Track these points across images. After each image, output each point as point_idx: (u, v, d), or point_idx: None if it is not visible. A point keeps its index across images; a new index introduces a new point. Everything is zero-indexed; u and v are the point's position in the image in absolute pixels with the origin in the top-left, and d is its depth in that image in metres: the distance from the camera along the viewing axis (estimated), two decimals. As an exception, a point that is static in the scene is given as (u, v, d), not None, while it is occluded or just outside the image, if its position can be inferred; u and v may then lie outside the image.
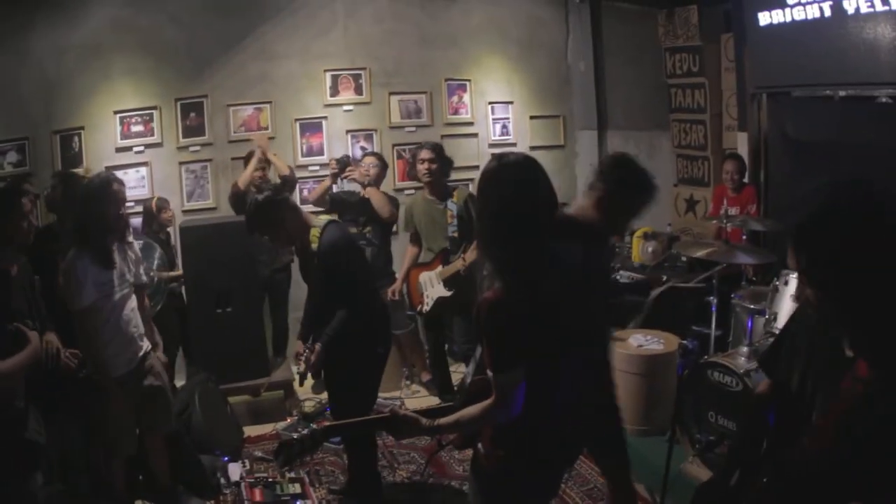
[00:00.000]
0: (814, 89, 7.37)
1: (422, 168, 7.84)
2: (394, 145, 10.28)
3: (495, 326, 3.44)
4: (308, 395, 8.56)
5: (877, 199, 2.49)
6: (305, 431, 3.68)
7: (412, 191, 10.06)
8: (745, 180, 8.52)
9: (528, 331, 3.37)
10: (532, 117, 11.19)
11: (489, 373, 3.46)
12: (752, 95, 8.26)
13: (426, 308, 8.02)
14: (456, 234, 7.81)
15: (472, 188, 10.09)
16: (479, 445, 3.81)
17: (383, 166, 8.54)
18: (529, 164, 3.57)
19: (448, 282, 7.80)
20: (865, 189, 2.53)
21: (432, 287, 7.88)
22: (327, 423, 3.95)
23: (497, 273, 3.43)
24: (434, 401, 8.43)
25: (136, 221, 8.42)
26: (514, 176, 3.50)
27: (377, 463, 6.57)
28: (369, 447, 6.40)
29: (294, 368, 6.69)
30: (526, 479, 3.77)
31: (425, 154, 7.81)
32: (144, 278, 6.02)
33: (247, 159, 8.82)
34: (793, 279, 6.35)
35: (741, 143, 8.73)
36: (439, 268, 7.89)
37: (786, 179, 8.18)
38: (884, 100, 6.63)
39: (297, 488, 6.54)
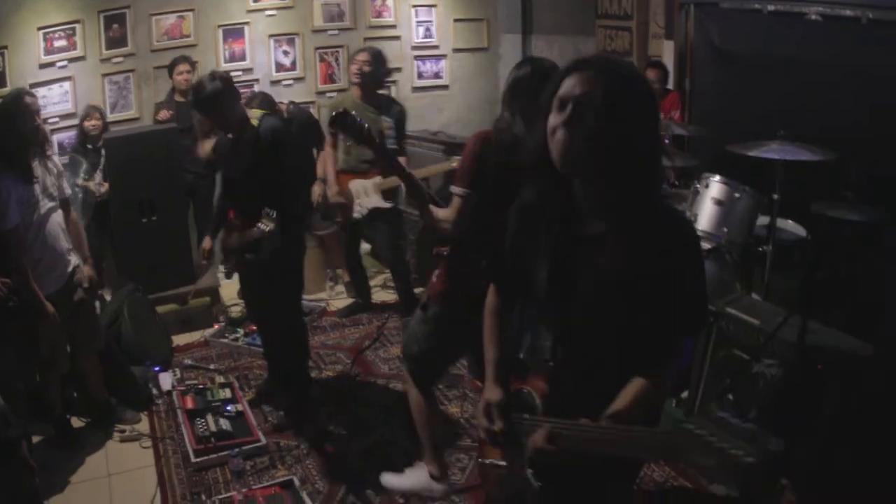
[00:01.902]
0: (742, 2, 7.42)
1: (353, 68, 7.74)
2: (316, 49, 10.25)
3: (473, 151, 4.46)
4: (234, 300, 8.58)
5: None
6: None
7: (333, 94, 10.09)
8: (670, 87, 8.59)
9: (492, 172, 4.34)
10: (456, 20, 11.19)
11: (452, 188, 4.51)
12: (681, 5, 8.29)
13: (358, 216, 7.88)
14: (396, 147, 7.64)
15: (395, 90, 10.12)
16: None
17: None
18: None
19: (386, 194, 7.74)
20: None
21: (367, 197, 7.71)
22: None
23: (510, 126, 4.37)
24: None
25: (62, 136, 8.35)
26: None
27: (308, 364, 6.87)
28: (303, 348, 6.70)
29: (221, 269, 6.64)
30: (457, 319, 4.60)
31: (362, 56, 7.68)
32: (68, 191, 5.96)
33: (170, 68, 8.79)
34: (714, 182, 6.47)
35: (667, 52, 8.77)
36: (377, 178, 7.77)
37: (710, 88, 8.26)
38: (813, 17, 6.69)
39: (227, 393, 6.63)
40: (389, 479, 5.49)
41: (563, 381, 2.95)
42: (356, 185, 7.78)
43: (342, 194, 7.73)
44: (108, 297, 7.66)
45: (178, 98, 8.81)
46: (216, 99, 5.70)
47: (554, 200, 2.86)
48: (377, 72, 7.64)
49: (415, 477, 5.41)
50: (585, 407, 2.77)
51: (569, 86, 2.66)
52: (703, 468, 2.28)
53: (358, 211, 7.78)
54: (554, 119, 2.67)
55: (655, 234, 2.71)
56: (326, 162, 8.06)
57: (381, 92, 7.87)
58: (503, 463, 3.15)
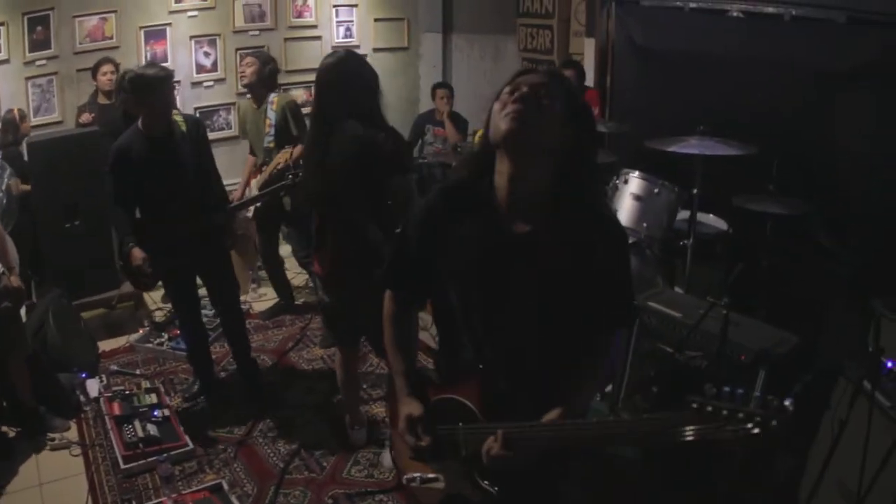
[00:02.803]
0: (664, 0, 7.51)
1: (241, 74, 7.89)
2: (237, 49, 10.21)
3: None
4: (158, 304, 8.58)
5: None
6: None
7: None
8: (590, 84, 8.66)
9: None
10: (377, 20, 11.25)
11: None
12: (602, 3, 8.36)
13: (248, 214, 8.09)
14: (272, 144, 7.77)
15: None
16: None
17: None
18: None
19: (264, 186, 7.68)
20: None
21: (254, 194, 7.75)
22: None
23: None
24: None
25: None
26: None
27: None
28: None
29: None
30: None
31: (247, 60, 7.75)
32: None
33: (94, 69, 8.70)
34: (633, 178, 6.55)
35: (588, 49, 8.85)
36: (260, 175, 7.89)
37: (632, 85, 8.34)
38: (735, 14, 6.79)
39: (153, 398, 6.59)
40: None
41: (497, 384, 2.93)
42: (252, 184, 8.00)
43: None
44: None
45: (101, 100, 8.73)
46: (159, 84, 5.80)
47: (476, 198, 2.87)
48: (261, 74, 7.67)
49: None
50: (523, 406, 2.81)
51: (526, 78, 2.74)
52: (716, 442, 2.23)
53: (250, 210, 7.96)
54: (505, 97, 2.72)
55: (586, 233, 2.75)
56: (247, 167, 8.24)
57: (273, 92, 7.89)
58: (433, 475, 3.10)
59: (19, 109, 8.15)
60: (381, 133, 4.96)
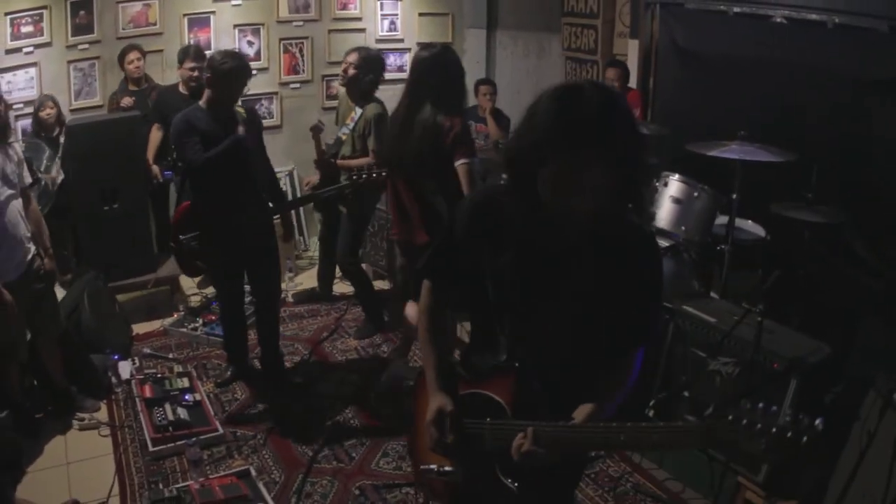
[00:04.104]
0: (708, 3, 7.46)
1: (342, 67, 7.62)
2: (281, 39, 10.21)
3: None
4: (194, 290, 8.64)
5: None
6: None
7: (297, 84, 10.15)
8: (633, 86, 8.63)
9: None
10: (421, 14, 11.20)
11: None
12: (646, 5, 8.33)
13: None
14: (345, 137, 7.62)
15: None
16: None
17: None
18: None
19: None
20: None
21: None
22: None
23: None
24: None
25: (26, 122, 8.30)
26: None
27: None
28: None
29: None
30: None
31: (350, 57, 7.52)
32: (29, 179, 5.90)
33: (120, 57, 8.77)
34: (672, 180, 6.51)
35: (632, 50, 8.82)
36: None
37: (674, 87, 8.30)
38: (778, 20, 6.75)
39: (185, 383, 6.66)
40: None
41: (530, 382, 2.95)
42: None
43: None
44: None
45: (131, 87, 8.80)
46: (245, 73, 6.24)
47: (522, 203, 2.75)
48: (361, 78, 7.42)
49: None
50: (553, 405, 2.85)
51: (592, 175, 2.50)
52: (746, 454, 2.26)
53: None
54: (576, 192, 2.55)
55: (624, 247, 2.74)
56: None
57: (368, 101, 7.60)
58: (449, 468, 3.13)
59: (46, 96, 8.17)
60: (449, 122, 5.73)
